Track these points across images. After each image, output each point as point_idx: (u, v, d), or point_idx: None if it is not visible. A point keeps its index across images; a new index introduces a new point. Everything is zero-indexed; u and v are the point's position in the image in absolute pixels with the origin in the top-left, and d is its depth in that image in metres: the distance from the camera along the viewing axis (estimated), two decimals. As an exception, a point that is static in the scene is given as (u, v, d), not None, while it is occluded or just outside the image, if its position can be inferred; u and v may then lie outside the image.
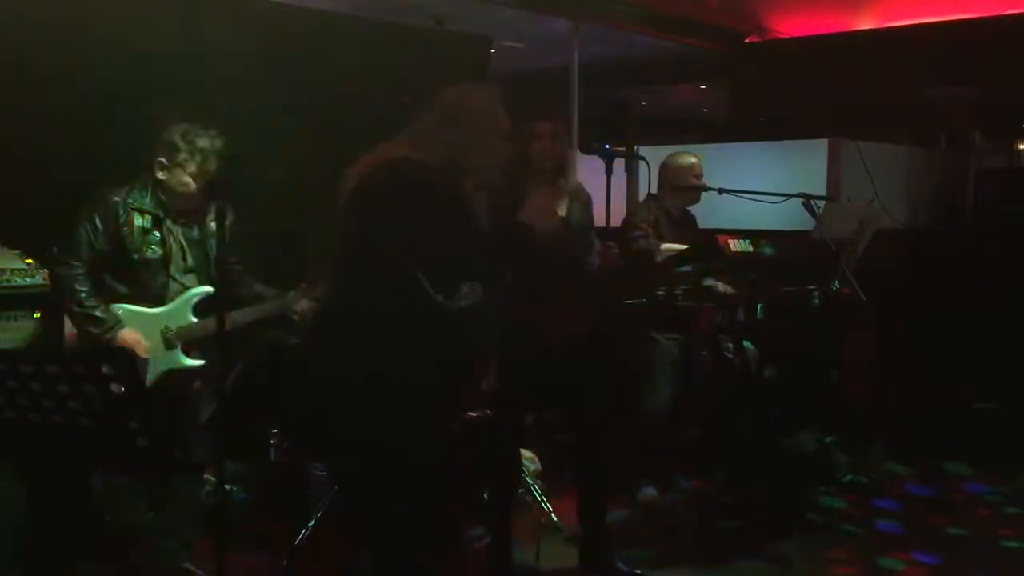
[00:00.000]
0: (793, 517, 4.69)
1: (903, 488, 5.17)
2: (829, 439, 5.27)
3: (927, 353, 5.85)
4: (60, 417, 2.54)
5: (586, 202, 4.03)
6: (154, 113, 3.91)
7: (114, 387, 2.46)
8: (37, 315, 3.72)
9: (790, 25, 7.61)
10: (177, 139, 3.73)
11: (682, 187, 5.03)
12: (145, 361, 3.68)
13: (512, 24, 6.54)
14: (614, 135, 6.43)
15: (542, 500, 4.57)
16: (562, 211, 3.92)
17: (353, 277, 2.99)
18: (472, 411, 4.18)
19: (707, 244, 4.58)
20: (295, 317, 3.91)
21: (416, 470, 2.90)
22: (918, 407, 5.75)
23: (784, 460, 5.07)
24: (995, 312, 5.91)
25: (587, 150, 3.96)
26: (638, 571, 4.00)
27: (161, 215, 3.76)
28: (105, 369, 2.44)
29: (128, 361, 3.48)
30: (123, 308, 3.70)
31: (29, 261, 3.93)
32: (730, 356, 4.91)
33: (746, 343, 4.85)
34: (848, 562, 4.27)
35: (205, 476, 4.21)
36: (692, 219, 5.24)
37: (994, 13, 6.63)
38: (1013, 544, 4.46)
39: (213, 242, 3.84)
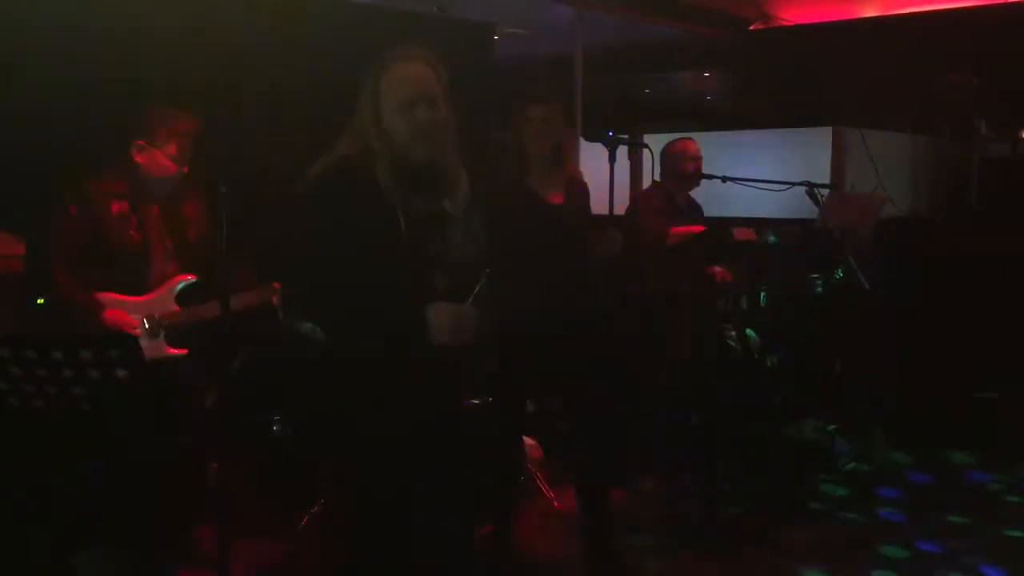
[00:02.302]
0: (795, 505, 4.70)
1: (905, 476, 5.18)
2: (831, 427, 5.28)
3: (930, 341, 5.84)
4: (64, 403, 2.54)
5: (583, 192, 4.01)
6: (154, 100, 3.85)
7: (119, 372, 2.46)
8: (41, 301, 3.69)
9: (795, 13, 7.58)
10: (155, 121, 3.64)
11: (680, 173, 5.04)
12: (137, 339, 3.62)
13: (516, 11, 6.52)
14: (617, 123, 6.43)
15: (545, 489, 4.58)
16: (559, 199, 3.90)
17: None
18: (473, 399, 4.19)
19: (711, 231, 4.59)
20: (276, 303, 3.86)
21: (405, 458, 2.86)
22: (920, 395, 5.75)
23: (786, 448, 5.08)
24: (999, 300, 5.90)
25: (591, 137, 3.95)
26: (640, 559, 4.01)
27: (138, 200, 3.67)
28: (111, 354, 2.44)
29: (133, 346, 3.46)
30: (105, 297, 3.60)
31: (30, 246, 3.91)
32: (733, 344, 4.91)
33: (749, 331, 4.85)
34: (850, 550, 4.28)
35: (208, 461, 4.21)
36: (696, 206, 5.24)
37: (999, 1, 6.61)
38: (1015, 533, 4.47)
39: (193, 228, 3.79)
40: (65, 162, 3.91)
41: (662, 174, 5.04)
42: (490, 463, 4.04)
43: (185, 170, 3.71)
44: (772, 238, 4.57)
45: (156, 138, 3.63)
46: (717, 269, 4.93)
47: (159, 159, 3.65)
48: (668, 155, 5.08)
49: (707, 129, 6.80)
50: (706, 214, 5.26)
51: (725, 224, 5.25)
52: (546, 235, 3.81)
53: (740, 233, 5.12)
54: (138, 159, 3.65)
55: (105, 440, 3.34)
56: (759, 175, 4.92)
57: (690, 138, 5.18)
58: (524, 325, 3.72)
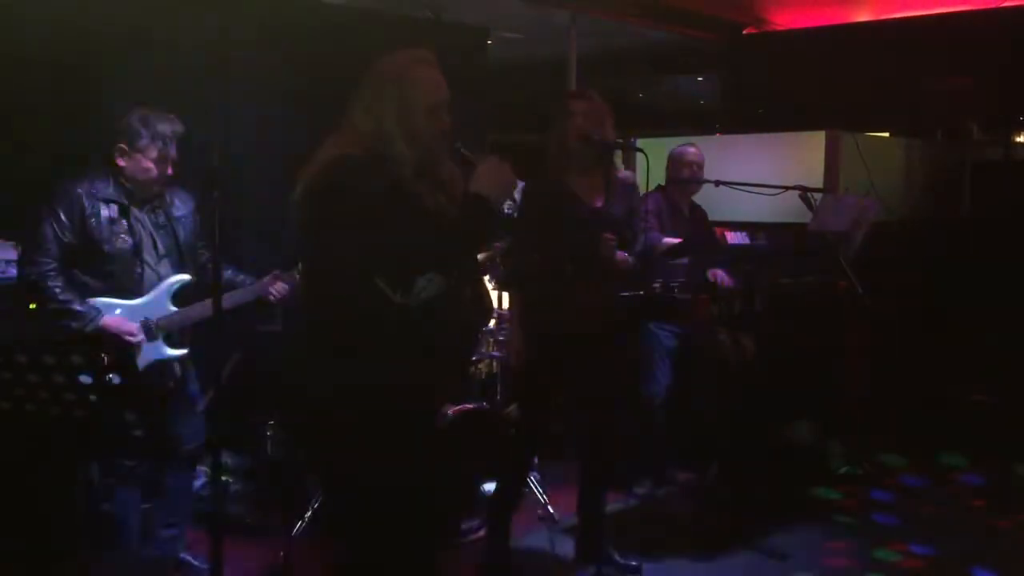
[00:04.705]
0: (789, 509, 4.71)
1: (899, 479, 5.19)
2: (824, 430, 5.28)
3: (923, 345, 5.85)
4: (57, 408, 2.53)
5: (627, 192, 3.96)
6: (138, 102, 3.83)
7: (111, 377, 2.45)
8: (33, 306, 3.68)
9: (788, 17, 7.59)
10: (137, 124, 3.61)
11: (678, 178, 5.06)
12: (137, 345, 3.61)
13: (510, 15, 6.53)
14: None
15: (539, 491, 4.58)
16: (600, 200, 3.84)
17: (312, 285, 2.89)
18: (467, 403, 4.18)
19: (707, 236, 4.60)
20: (271, 300, 3.86)
21: (397, 473, 2.83)
22: (914, 398, 5.76)
23: (780, 452, 5.08)
24: (991, 304, 5.92)
25: (584, 141, 3.94)
26: (634, 562, 4.01)
27: (127, 203, 3.65)
28: (102, 359, 2.43)
29: (124, 351, 3.45)
30: (100, 302, 3.60)
31: (25, 252, 3.90)
32: (726, 348, 4.91)
33: (742, 334, 4.85)
34: (844, 553, 4.28)
35: (201, 467, 4.20)
36: (700, 211, 5.23)
37: (991, 5, 6.63)
38: (1008, 535, 4.48)
39: (181, 227, 3.79)
40: (52, 167, 3.89)
41: (666, 179, 5.09)
42: (500, 473, 4.03)
43: (170, 172, 3.70)
44: (765, 242, 4.58)
45: (138, 141, 3.62)
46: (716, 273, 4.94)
47: (141, 162, 3.64)
48: (669, 160, 5.13)
49: (701, 133, 6.82)
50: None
51: (718, 228, 5.26)
52: (587, 240, 3.71)
53: (732, 238, 5.14)
54: (120, 162, 3.64)
55: (99, 445, 3.33)
56: (753, 179, 4.92)
57: (692, 143, 5.19)
58: (561, 331, 3.68)
